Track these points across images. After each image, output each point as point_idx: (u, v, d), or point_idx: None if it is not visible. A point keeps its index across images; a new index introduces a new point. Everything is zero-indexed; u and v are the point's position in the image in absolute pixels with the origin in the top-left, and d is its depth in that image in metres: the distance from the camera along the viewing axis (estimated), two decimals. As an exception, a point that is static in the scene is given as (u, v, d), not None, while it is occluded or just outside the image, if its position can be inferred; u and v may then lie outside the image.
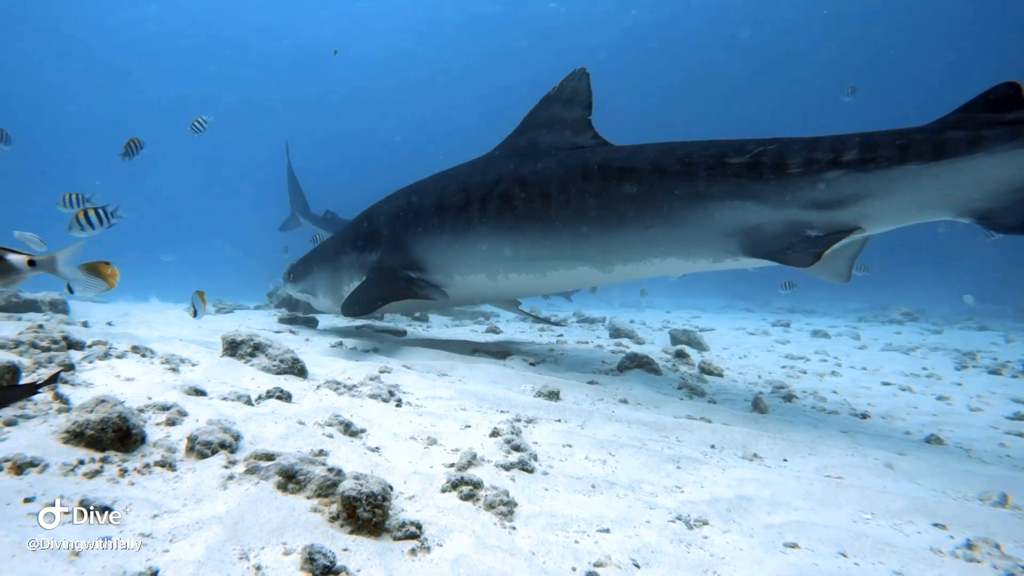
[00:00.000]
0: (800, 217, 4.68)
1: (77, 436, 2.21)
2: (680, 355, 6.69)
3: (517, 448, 2.90)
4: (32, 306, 7.82)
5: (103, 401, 2.32)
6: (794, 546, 2.20)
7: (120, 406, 2.32)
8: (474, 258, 6.10)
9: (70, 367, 3.48)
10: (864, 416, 4.68)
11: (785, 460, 3.29)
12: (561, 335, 9.27)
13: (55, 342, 3.87)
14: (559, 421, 3.72)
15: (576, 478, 2.72)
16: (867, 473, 3.13)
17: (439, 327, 10.48)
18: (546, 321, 10.45)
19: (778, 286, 10.99)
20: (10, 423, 2.34)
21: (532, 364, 5.83)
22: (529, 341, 8.12)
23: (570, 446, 3.21)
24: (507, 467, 2.68)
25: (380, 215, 7.00)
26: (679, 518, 2.37)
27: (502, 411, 3.84)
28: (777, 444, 3.51)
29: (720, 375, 5.98)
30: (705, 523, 2.35)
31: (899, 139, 4.41)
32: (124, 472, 2.10)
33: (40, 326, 4.00)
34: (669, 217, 5.10)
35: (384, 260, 6.57)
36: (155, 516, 1.86)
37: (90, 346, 4.11)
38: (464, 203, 6.08)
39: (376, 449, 2.78)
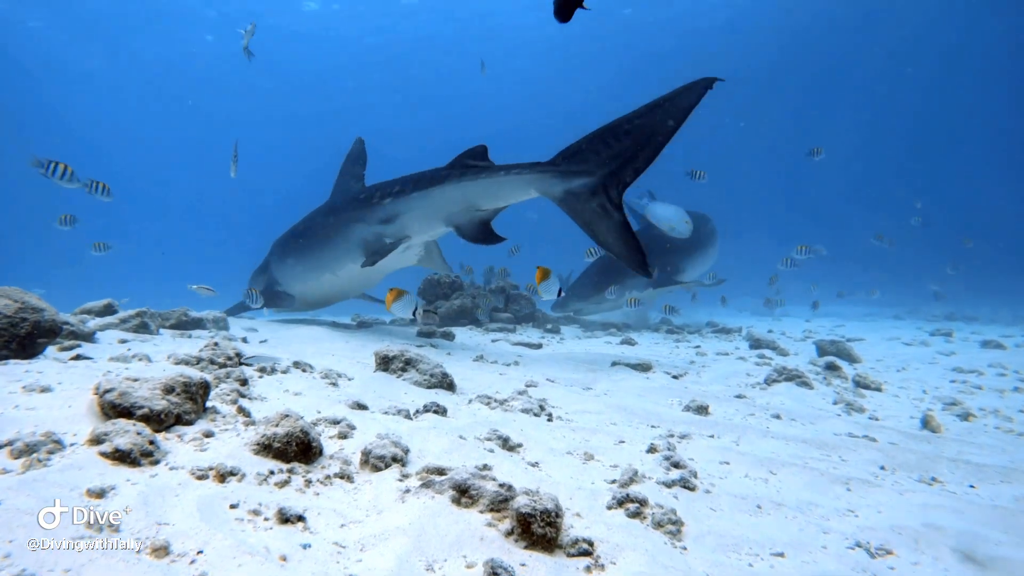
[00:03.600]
0: (379, 231, 7.76)
1: (266, 448, 2.39)
2: (831, 368, 6.33)
3: (676, 465, 2.85)
4: (199, 324, 8.53)
5: (286, 416, 2.49)
6: (1001, 583, 2.01)
7: (301, 421, 2.49)
8: (293, 275, 9.39)
9: (244, 381, 3.78)
10: (1064, 439, 4.20)
11: (972, 486, 3.01)
12: (699, 346, 9.02)
13: (229, 359, 4.22)
14: (712, 437, 3.62)
15: (740, 497, 2.63)
16: (1079, 505, 2.80)
17: (571, 339, 10.49)
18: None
19: (927, 292, 10.21)
20: (208, 434, 2.56)
21: (675, 377, 5.72)
22: (667, 353, 7.97)
23: (727, 463, 3.11)
24: (668, 484, 2.64)
25: (272, 250, 10.22)
26: (858, 544, 2.24)
27: (653, 426, 3.79)
28: (960, 468, 3.23)
29: (879, 389, 5.59)
30: (889, 552, 2.21)
31: (418, 177, 7.39)
32: (309, 483, 2.24)
33: (216, 344, 4.37)
34: (341, 236, 8.35)
35: (268, 279, 9.91)
36: (343, 525, 1.97)
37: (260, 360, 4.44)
38: (289, 240, 9.61)
39: (536, 464, 2.82)
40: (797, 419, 4.27)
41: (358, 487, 2.29)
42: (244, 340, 7.27)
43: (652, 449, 3.11)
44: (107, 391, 2.55)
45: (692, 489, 2.65)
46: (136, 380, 2.70)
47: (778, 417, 4.28)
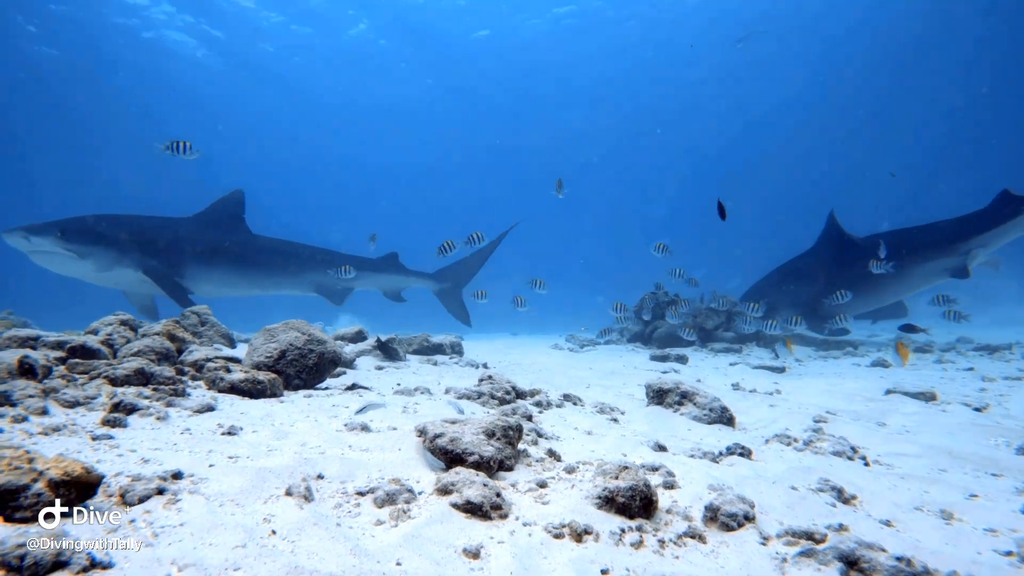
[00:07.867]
0: (345, 283, 13.32)
1: (608, 502, 2.25)
2: None
3: (1087, 536, 2.33)
4: (439, 349, 8.94)
5: (626, 468, 2.35)
6: None
7: (641, 471, 2.33)
8: (212, 279, 12.60)
9: (529, 417, 3.74)
10: None
11: None
12: (972, 368, 7.86)
13: (508, 393, 4.23)
14: (1089, 492, 2.97)
15: None
16: None
17: (810, 361, 9.72)
18: None
19: None
20: (542, 484, 2.49)
21: (976, 410, 4.94)
22: (938, 378, 6.99)
23: None
24: (1094, 564, 2.14)
25: (160, 240, 11.76)
26: None
27: (994, 474, 3.21)
28: None
29: None
30: None
31: (365, 262, 13.76)
32: (663, 543, 2.06)
33: (491, 377, 4.42)
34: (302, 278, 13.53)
35: (160, 266, 11.49)
36: (723, 599, 1.76)
37: (531, 394, 4.41)
38: (189, 245, 12.07)
39: (888, 523, 2.44)
40: None
41: (714, 550, 2.07)
42: (485, 366, 7.48)
43: (1032, 510, 2.59)
44: (436, 436, 2.58)
45: (1121, 570, 2.13)
46: (454, 423, 2.71)
47: None
